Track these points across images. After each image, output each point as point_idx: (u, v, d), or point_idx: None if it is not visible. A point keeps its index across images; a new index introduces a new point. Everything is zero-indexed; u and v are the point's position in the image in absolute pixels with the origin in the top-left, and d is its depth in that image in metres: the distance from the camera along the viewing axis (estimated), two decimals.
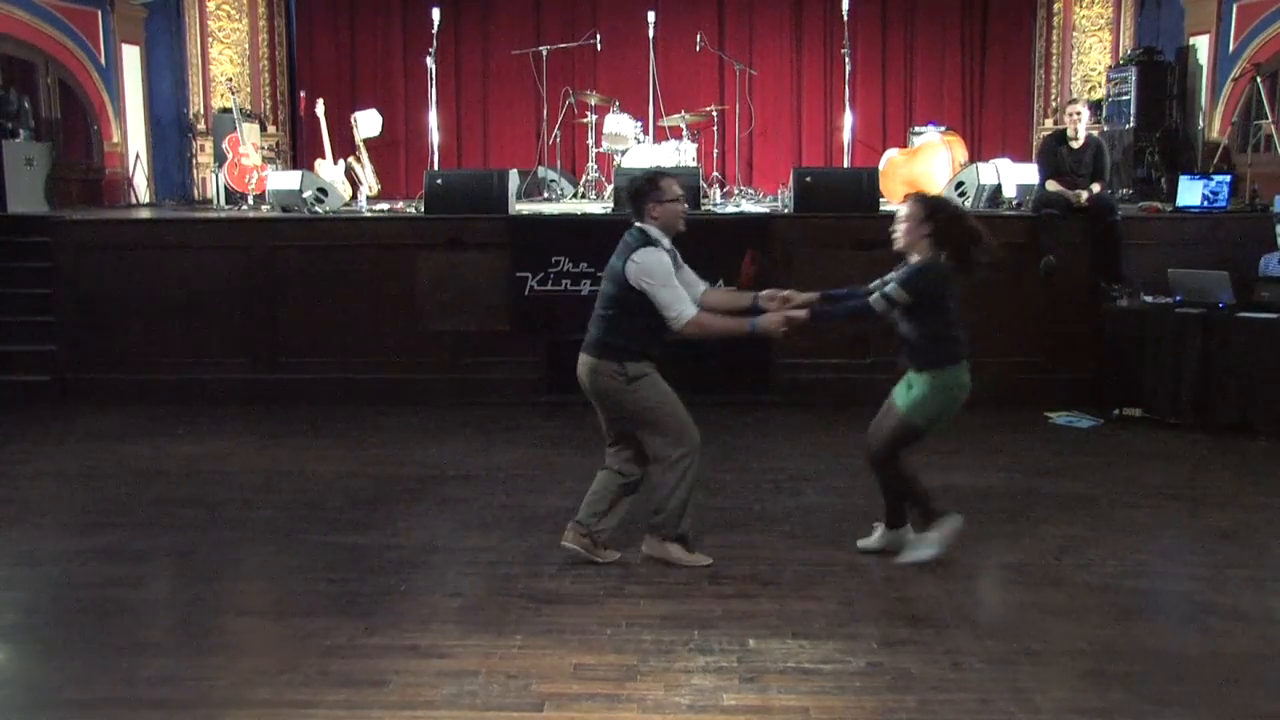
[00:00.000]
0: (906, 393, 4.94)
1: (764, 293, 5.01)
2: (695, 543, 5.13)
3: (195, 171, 12.84)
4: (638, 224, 4.92)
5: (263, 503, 6.20)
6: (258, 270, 8.84)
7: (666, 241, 4.89)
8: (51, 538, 5.66)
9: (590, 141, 11.63)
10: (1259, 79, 10.22)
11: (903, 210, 4.91)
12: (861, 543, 5.26)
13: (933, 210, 4.87)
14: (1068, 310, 8.44)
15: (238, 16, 12.87)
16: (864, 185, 9.01)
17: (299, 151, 13.30)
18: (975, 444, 7.35)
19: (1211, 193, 9.08)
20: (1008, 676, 4.01)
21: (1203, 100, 11.59)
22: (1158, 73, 11.48)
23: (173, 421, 8.05)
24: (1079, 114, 8.60)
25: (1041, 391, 8.37)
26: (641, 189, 4.94)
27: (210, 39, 12.79)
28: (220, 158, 11.39)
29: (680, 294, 4.77)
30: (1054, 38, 13.12)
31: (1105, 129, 11.51)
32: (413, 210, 9.76)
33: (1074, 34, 12.85)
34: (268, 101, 13.18)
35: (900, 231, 4.90)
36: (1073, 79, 12.84)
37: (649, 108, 11.47)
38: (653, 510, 5.03)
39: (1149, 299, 8.12)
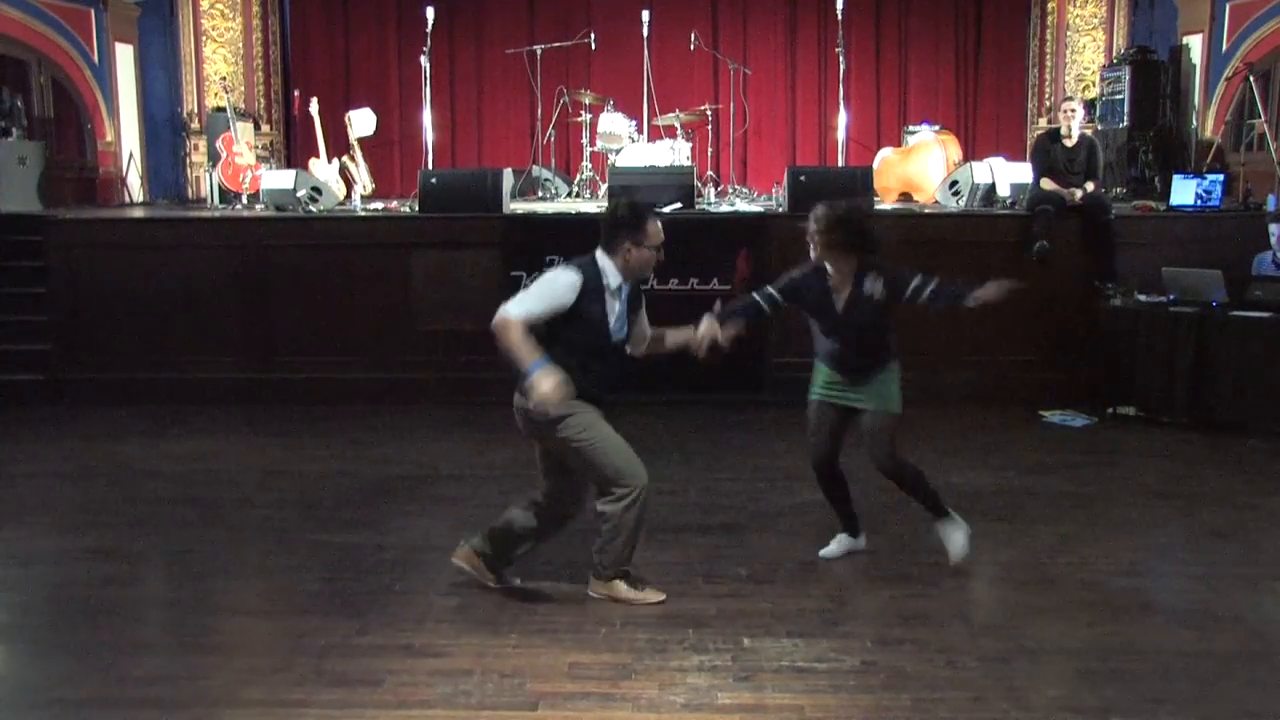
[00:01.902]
0: (880, 392, 4.91)
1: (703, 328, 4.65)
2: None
3: (189, 170, 12.81)
4: (600, 256, 4.49)
5: (256, 502, 6.19)
6: (251, 269, 8.83)
7: (615, 281, 4.46)
8: (44, 537, 5.65)
9: (585, 141, 11.62)
10: (1252, 78, 10.24)
11: (811, 222, 4.81)
12: (824, 551, 5.23)
13: (840, 219, 4.80)
14: (1062, 309, 8.45)
15: (231, 15, 12.84)
16: (859, 184, 9.00)
17: (293, 150, 13.26)
18: (969, 443, 7.37)
19: (1205, 192, 9.10)
20: (1002, 675, 4.02)
21: (1196, 99, 11.61)
22: (1151, 72, 11.50)
23: (166, 421, 8.04)
24: (1073, 111, 8.61)
25: (1035, 390, 8.38)
26: (625, 220, 4.48)
27: (204, 38, 12.76)
28: (214, 157, 11.35)
29: (525, 302, 4.36)
30: (1048, 37, 13.14)
31: (1099, 128, 11.53)
32: (407, 209, 9.75)
33: (1068, 33, 12.86)
34: (262, 100, 13.15)
35: (817, 242, 4.81)
36: (1066, 78, 12.85)
37: (643, 107, 11.46)
38: (596, 549, 4.64)
39: (1143, 298, 8.13)
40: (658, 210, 5.07)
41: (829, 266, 4.84)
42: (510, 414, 4.57)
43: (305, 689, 3.94)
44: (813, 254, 4.86)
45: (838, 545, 5.24)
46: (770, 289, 5.00)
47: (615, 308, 4.51)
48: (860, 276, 4.81)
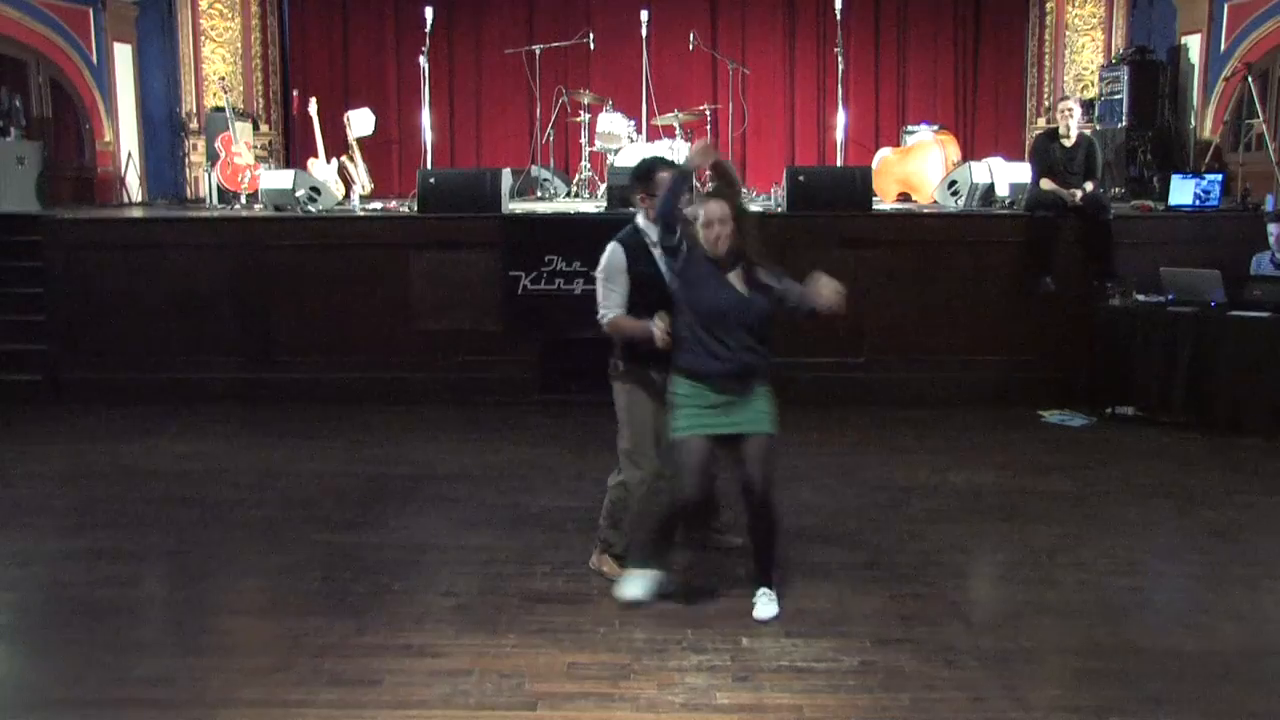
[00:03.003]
0: (764, 408, 4.57)
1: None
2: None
3: (188, 170, 12.79)
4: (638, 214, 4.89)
5: (255, 502, 6.19)
6: (250, 269, 8.82)
7: (654, 233, 4.71)
8: (43, 537, 5.65)
9: (583, 140, 11.62)
10: (1250, 78, 10.24)
11: (717, 213, 4.44)
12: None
13: (737, 210, 4.51)
14: (1060, 309, 8.45)
15: (230, 15, 12.82)
16: (857, 184, 9.00)
17: (292, 150, 13.26)
18: (968, 443, 7.38)
19: (1203, 192, 9.10)
20: (1001, 674, 4.02)
21: (1194, 99, 11.61)
22: (1150, 72, 11.50)
23: (165, 421, 8.04)
24: (1070, 110, 8.61)
25: (1034, 390, 8.39)
26: (638, 174, 4.91)
27: (203, 37, 12.74)
28: (213, 156, 11.35)
29: (613, 296, 4.72)
30: (1046, 37, 13.13)
31: (1097, 128, 11.53)
32: (406, 209, 9.74)
33: (1066, 33, 12.85)
34: (260, 100, 13.13)
35: (724, 234, 4.45)
36: (1065, 78, 12.85)
37: (642, 106, 11.46)
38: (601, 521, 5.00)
39: (1141, 298, 8.14)
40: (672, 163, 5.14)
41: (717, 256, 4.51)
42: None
43: (304, 689, 3.94)
44: (704, 242, 4.52)
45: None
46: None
47: (664, 259, 4.68)
48: (751, 268, 4.50)
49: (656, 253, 4.72)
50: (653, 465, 4.76)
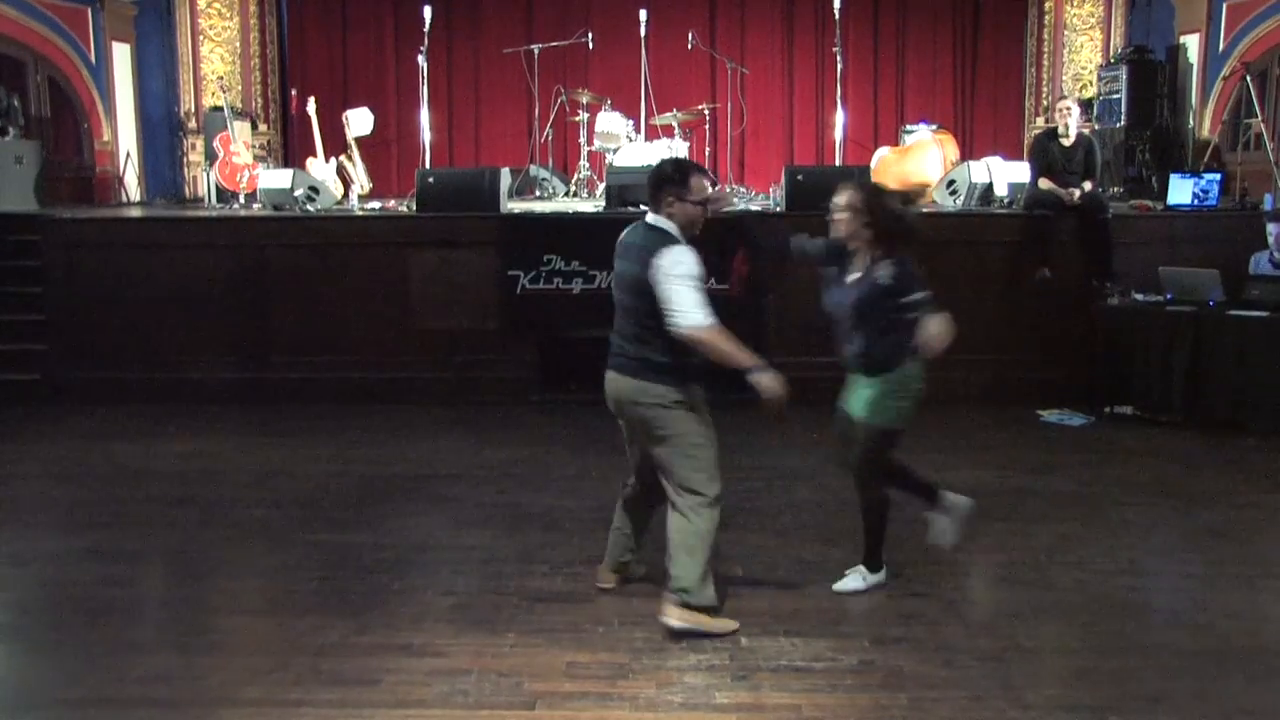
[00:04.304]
0: (869, 399, 4.72)
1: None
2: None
3: (186, 170, 12.79)
4: (651, 218, 4.38)
5: (254, 501, 6.18)
6: (249, 269, 8.82)
7: (684, 241, 4.34)
8: (42, 537, 5.64)
9: (582, 140, 11.62)
10: (1248, 78, 10.25)
11: (841, 199, 4.60)
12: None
13: (869, 202, 4.60)
14: (1059, 308, 8.46)
15: (229, 14, 12.82)
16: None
17: (290, 150, 13.26)
18: (966, 442, 7.38)
19: (1202, 191, 9.10)
20: (999, 674, 4.02)
21: (1193, 99, 11.62)
22: (1148, 71, 11.51)
23: (164, 420, 8.03)
24: (1068, 110, 8.61)
25: (1033, 389, 8.39)
26: (668, 176, 4.36)
27: (201, 37, 12.74)
28: (211, 156, 11.35)
29: (702, 299, 4.18)
30: (1045, 36, 13.14)
31: (1096, 127, 11.53)
32: (404, 209, 9.75)
33: (1065, 32, 12.87)
34: (259, 100, 13.13)
35: (839, 220, 4.59)
36: (1064, 77, 12.86)
37: (641, 106, 11.47)
38: (670, 574, 4.36)
39: (1140, 297, 8.14)
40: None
41: (852, 247, 4.66)
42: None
43: (303, 688, 3.94)
44: (835, 233, 4.65)
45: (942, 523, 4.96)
46: (818, 239, 4.84)
47: None
48: (879, 262, 4.60)
49: None
50: (716, 486, 4.41)
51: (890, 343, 4.62)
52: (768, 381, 4.23)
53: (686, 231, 4.36)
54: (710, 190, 4.44)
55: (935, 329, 4.50)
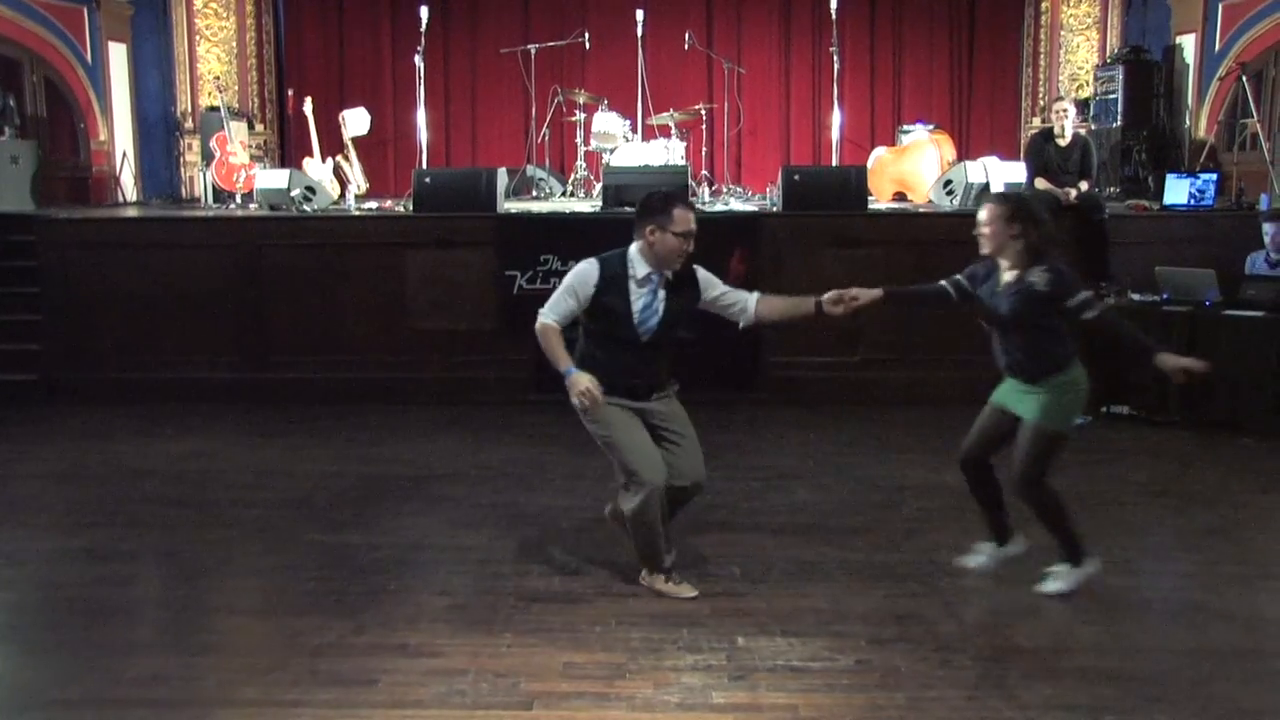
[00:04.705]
0: (1040, 402, 4.70)
1: (828, 295, 4.68)
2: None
3: (182, 170, 12.80)
4: (632, 244, 4.58)
5: (251, 501, 6.18)
6: (245, 269, 8.81)
7: (642, 271, 4.53)
8: (38, 537, 5.63)
9: (579, 140, 11.62)
10: (1244, 78, 10.27)
11: (985, 213, 4.63)
12: (970, 562, 5.01)
13: (1015, 213, 4.63)
14: None
15: (225, 14, 12.82)
16: (852, 183, 9.01)
17: (287, 150, 13.25)
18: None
19: (1198, 191, 9.12)
20: (996, 674, 4.02)
21: (1189, 99, 11.64)
22: (1144, 72, 11.53)
23: (160, 420, 8.02)
24: (1065, 111, 8.63)
25: None
26: (651, 206, 4.54)
27: (197, 37, 12.74)
28: (208, 156, 11.34)
29: (562, 304, 4.52)
30: (1041, 36, 13.16)
31: (1092, 128, 11.55)
32: (401, 209, 9.74)
33: (1061, 33, 12.89)
34: (255, 100, 13.13)
35: (986, 234, 4.63)
36: (1060, 78, 12.88)
37: (638, 106, 11.46)
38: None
39: (1136, 297, 8.15)
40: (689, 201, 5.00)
41: (1001, 260, 4.68)
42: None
43: (300, 689, 3.93)
44: (984, 249, 4.68)
45: (982, 557, 5.00)
46: (956, 276, 4.87)
47: (643, 298, 4.56)
48: (1030, 269, 4.60)
49: (633, 289, 4.54)
50: (657, 475, 4.55)
51: (1053, 347, 4.65)
52: (573, 382, 4.47)
53: (663, 263, 4.54)
54: (693, 225, 4.55)
55: (1179, 363, 4.52)
